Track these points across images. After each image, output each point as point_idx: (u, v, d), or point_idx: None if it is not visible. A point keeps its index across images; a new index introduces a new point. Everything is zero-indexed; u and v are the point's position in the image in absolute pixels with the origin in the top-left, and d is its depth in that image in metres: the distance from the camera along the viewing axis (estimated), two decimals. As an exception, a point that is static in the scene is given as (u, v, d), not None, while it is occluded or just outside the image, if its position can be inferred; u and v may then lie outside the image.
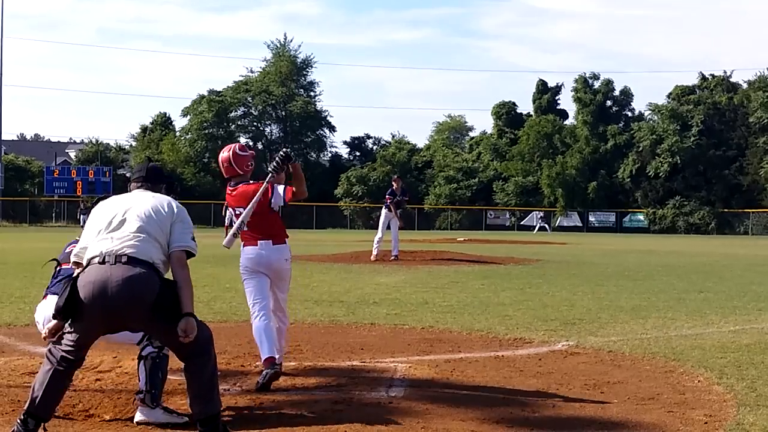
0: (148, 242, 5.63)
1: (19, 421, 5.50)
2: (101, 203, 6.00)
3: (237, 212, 7.89)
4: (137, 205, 5.82)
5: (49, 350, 5.60)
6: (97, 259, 5.52)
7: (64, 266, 6.81)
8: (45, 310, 6.58)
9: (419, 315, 12.43)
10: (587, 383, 7.76)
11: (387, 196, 24.49)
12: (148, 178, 6.13)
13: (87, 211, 35.97)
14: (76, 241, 6.09)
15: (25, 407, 5.52)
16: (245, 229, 7.78)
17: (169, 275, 5.76)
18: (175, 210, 5.88)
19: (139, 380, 6.29)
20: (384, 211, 24.46)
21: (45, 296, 6.97)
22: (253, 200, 7.62)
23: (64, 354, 5.53)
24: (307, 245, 31.41)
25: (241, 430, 6.02)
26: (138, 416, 6.18)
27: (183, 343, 5.56)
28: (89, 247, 5.68)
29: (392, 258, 23.64)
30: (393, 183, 25.06)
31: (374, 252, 23.94)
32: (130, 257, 5.50)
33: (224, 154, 8.04)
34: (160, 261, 5.68)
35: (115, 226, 5.68)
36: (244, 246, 8.03)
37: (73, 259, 5.85)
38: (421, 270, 20.75)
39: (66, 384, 5.67)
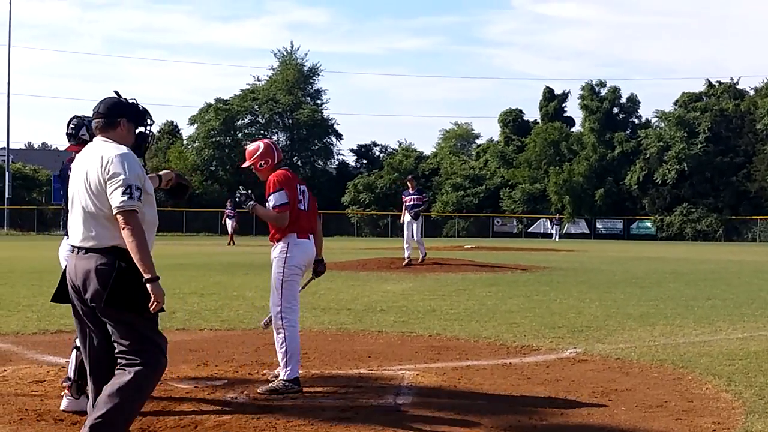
0: (99, 227, 5.22)
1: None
2: (74, 163, 5.59)
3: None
4: (85, 177, 5.27)
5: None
6: (69, 248, 5.44)
7: None
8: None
9: (426, 322, 12.41)
10: (595, 391, 7.74)
11: (403, 197, 24.72)
12: (101, 113, 5.42)
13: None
14: None
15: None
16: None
17: None
18: (105, 162, 5.19)
19: (69, 369, 6.51)
20: (406, 214, 24.46)
21: None
22: None
23: (77, 344, 5.53)
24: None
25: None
26: (64, 404, 6.36)
27: (118, 340, 5.27)
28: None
29: (406, 262, 23.83)
30: (408, 183, 25.32)
31: (405, 255, 24.14)
32: (87, 249, 5.25)
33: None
34: (117, 236, 5.18)
35: (74, 208, 5.36)
36: (298, 238, 7.77)
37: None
38: (429, 277, 20.74)
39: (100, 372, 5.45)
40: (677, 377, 8.42)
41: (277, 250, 7.78)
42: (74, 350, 6.34)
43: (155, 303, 5.17)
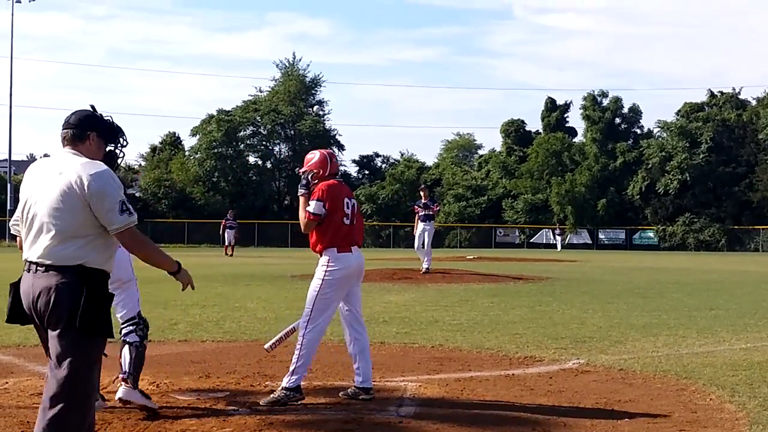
0: (64, 244, 4.89)
1: None
2: (28, 171, 5.24)
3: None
4: (48, 190, 4.96)
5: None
6: (26, 265, 5.05)
7: None
8: None
9: (429, 333, 12.39)
10: (598, 402, 7.72)
11: (415, 207, 25.15)
12: (72, 124, 5.17)
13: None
14: None
15: None
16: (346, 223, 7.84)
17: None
18: (85, 184, 4.89)
19: (123, 363, 6.85)
20: (419, 223, 24.88)
21: None
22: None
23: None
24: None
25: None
26: (121, 394, 6.72)
27: (55, 376, 4.84)
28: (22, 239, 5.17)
29: (423, 271, 24.09)
30: (420, 192, 25.73)
31: (424, 264, 24.50)
32: (47, 266, 4.90)
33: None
34: (89, 253, 4.94)
35: (31, 222, 5.01)
36: (338, 252, 7.79)
37: (11, 231, 5.73)
38: (431, 288, 20.72)
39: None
40: (680, 388, 8.40)
41: (319, 263, 7.85)
42: (125, 345, 6.66)
43: (190, 285, 5.45)
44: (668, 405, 7.60)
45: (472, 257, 42.30)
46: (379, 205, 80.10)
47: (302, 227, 7.78)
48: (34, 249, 4.98)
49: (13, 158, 74.43)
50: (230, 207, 60.22)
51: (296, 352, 7.59)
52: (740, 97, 77.97)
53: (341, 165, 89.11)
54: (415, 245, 25.21)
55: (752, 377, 8.88)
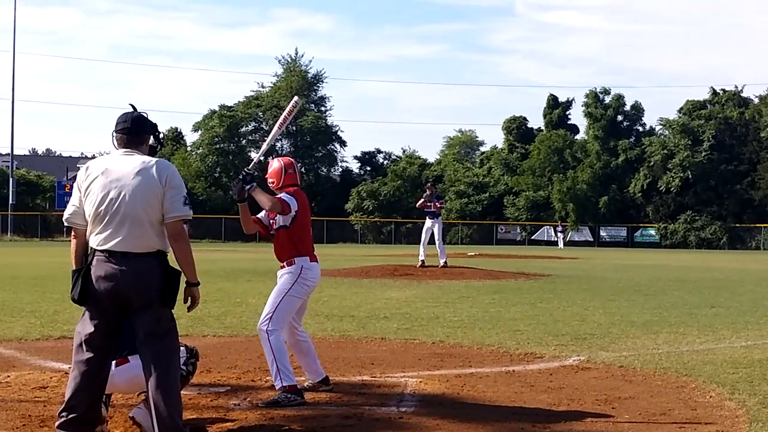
0: (148, 232, 5.59)
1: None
2: (87, 170, 5.75)
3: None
4: (129, 186, 5.59)
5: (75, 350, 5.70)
6: (103, 256, 5.56)
7: None
8: None
9: (430, 330, 12.41)
10: (598, 398, 7.73)
11: (422, 200, 25.67)
12: (132, 130, 5.82)
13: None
14: None
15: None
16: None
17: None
18: (164, 178, 5.65)
19: None
20: (426, 219, 25.64)
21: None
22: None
23: (86, 341, 5.63)
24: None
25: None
26: (134, 411, 6.29)
27: (152, 347, 5.61)
28: (90, 231, 5.66)
29: (441, 265, 24.82)
30: (427, 189, 26.22)
31: (420, 257, 25.40)
32: (135, 253, 5.56)
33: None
34: (164, 242, 5.68)
35: (112, 213, 5.58)
36: (310, 261, 7.91)
37: (65, 223, 5.84)
38: (432, 285, 20.72)
39: (99, 379, 5.74)
40: (681, 385, 8.41)
41: (287, 269, 7.84)
42: None
43: (196, 304, 5.91)
44: (668, 402, 7.61)
45: (473, 254, 42.32)
46: (380, 201, 80.00)
47: (271, 209, 7.66)
48: (117, 239, 5.55)
49: (15, 153, 74.42)
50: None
51: (268, 357, 7.54)
52: (743, 95, 77.79)
53: (343, 161, 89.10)
54: (422, 240, 25.90)
55: (752, 375, 8.89)
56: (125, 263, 5.53)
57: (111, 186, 5.62)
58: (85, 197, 5.68)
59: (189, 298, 5.90)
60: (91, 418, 5.70)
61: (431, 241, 25.47)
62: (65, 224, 5.85)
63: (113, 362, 6.02)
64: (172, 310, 5.72)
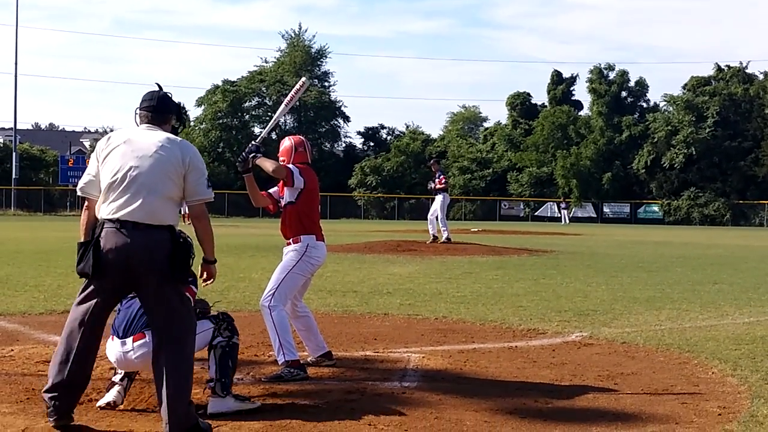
0: (162, 205, 5.60)
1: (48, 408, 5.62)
2: (108, 142, 5.78)
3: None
4: (148, 158, 5.62)
5: (71, 325, 5.69)
6: (113, 225, 5.52)
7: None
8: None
9: (433, 305, 12.42)
10: (601, 374, 7.75)
11: (429, 182, 26.44)
12: (157, 108, 5.87)
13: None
14: None
15: (50, 385, 5.62)
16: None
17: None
18: (187, 158, 5.72)
19: (209, 369, 6.31)
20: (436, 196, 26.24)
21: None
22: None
23: (84, 316, 5.62)
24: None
25: (254, 420, 6.02)
26: (210, 408, 6.14)
27: (163, 322, 5.59)
28: (101, 201, 5.63)
29: (443, 240, 25.37)
30: (432, 167, 26.93)
31: (432, 232, 26.00)
32: (147, 224, 5.53)
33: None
34: (176, 217, 5.74)
35: (128, 183, 5.56)
36: (317, 240, 7.90)
37: (79, 193, 5.83)
38: (435, 260, 20.74)
39: (95, 351, 5.76)
40: (683, 361, 8.43)
41: (293, 247, 7.85)
42: (211, 350, 6.27)
43: (212, 279, 6.15)
44: (670, 378, 7.63)
45: (476, 230, 42.30)
46: (383, 177, 79.92)
47: (277, 174, 7.65)
48: (130, 208, 5.53)
49: (18, 127, 74.41)
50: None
51: (271, 332, 7.57)
52: (747, 71, 77.41)
53: (347, 136, 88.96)
54: (429, 217, 26.77)
55: (755, 351, 8.90)
56: (136, 234, 5.49)
57: (132, 155, 5.63)
58: (103, 165, 5.66)
59: (206, 273, 6.11)
60: (72, 405, 5.70)
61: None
62: (79, 193, 5.84)
63: (130, 338, 6.01)
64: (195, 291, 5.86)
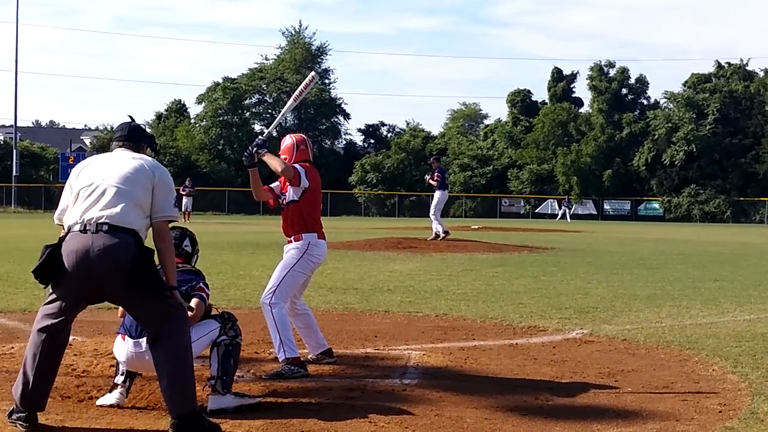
0: (128, 208, 5.50)
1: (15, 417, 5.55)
2: (81, 164, 5.84)
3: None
4: (118, 168, 5.66)
5: (34, 333, 5.62)
6: (78, 227, 5.45)
7: None
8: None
9: (433, 302, 12.42)
10: (601, 372, 7.74)
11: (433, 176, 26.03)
12: (129, 137, 5.95)
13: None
14: None
15: (18, 399, 5.55)
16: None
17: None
18: (156, 173, 5.70)
19: (210, 367, 6.32)
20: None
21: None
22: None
23: (48, 324, 5.54)
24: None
25: (255, 417, 6.02)
26: (210, 404, 6.15)
27: (153, 320, 5.53)
28: (69, 211, 5.61)
29: (432, 238, 25.08)
30: (432, 165, 26.72)
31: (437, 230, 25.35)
32: (110, 225, 5.41)
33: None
34: (142, 226, 5.61)
35: (94, 188, 5.56)
36: (318, 238, 7.90)
37: (56, 221, 5.79)
38: (436, 257, 20.73)
39: (56, 362, 5.69)
40: (684, 358, 8.42)
41: (294, 245, 7.84)
42: (214, 348, 6.27)
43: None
44: (671, 375, 7.63)
45: (476, 227, 42.28)
46: (384, 174, 79.93)
47: (283, 173, 7.64)
48: (95, 207, 5.48)
49: (18, 124, 74.36)
50: (187, 176, 59.73)
51: (274, 333, 7.57)
52: (748, 68, 77.42)
53: (347, 134, 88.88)
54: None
55: (755, 348, 8.90)
56: (99, 235, 5.38)
57: (103, 169, 5.69)
58: (75, 184, 5.68)
59: None
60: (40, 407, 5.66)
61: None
62: (56, 222, 5.79)
63: (144, 339, 5.96)
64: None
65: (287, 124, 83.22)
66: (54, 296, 5.57)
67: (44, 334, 5.56)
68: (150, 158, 5.87)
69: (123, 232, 5.43)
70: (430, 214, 25.68)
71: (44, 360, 5.56)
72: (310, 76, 7.99)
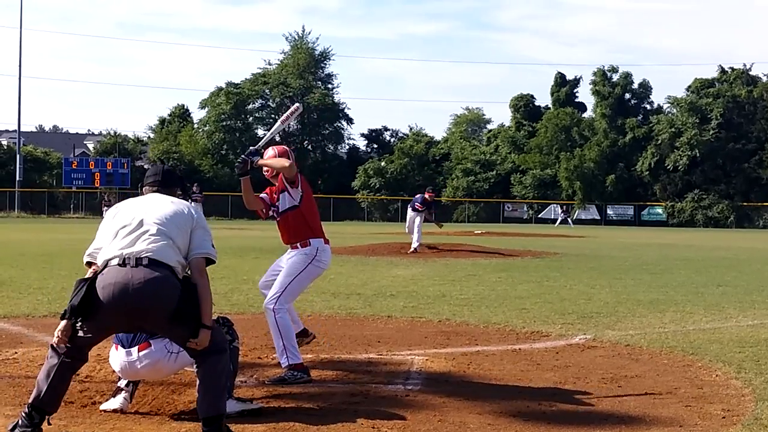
0: (167, 245, 5.55)
1: (23, 414, 5.50)
2: (118, 205, 5.92)
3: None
4: (156, 207, 5.74)
5: (53, 345, 5.55)
6: (116, 261, 5.42)
7: None
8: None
9: (436, 308, 12.42)
10: (604, 377, 7.74)
11: (417, 204, 25.50)
12: (163, 182, 6.07)
13: (111, 206, 36.00)
14: None
15: (30, 401, 5.52)
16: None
17: None
18: (195, 216, 5.81)
19: None
20: (410, 212, 25.61)
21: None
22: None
23: (71, 349, 5.49)
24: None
25: (257, 423, 6.02)
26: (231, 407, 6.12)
27: (192, 350, 5.56)
28: (106, 248, 5.58)
29: (411, 251, 24.16)
30: (426, 195, 25.82)
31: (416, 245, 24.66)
32: (150, 260, 5.42)
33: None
34: (179, 265, 5.60)
35: (135, 227, 5.58)
36: (324, 243, 7.90)
37: (86, 259, 5.74)
38: (439, 263, 20.73)
39: (70, 377, 5.66)
40: (687, 364, 8.41)
41: (302, 251, 7.81)
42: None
43: (201, 347, 5.56)
44: (674, 381, 7.62)
45: (479, 232, 42.32)
46: (387, 179, 79.97)
47: (286, 172, 7.62)
48: (135, 243, 5.51)
49: (22, 129, 74.43)
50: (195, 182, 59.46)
51: (277, 339, 7.56)
52: (751, 73, 77.33)
53: (350, 139, 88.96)
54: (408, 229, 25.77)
55: (759, 354, 8.89)
56: (140, 269, 5.38)
57: (143, 208, 5.77)
58: (113, 223, 5.69)
59: (199, 337, 5.53)
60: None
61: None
62: (86, 259, 5.74)
63: (135, 348, 6.00)
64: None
65: (290, 129, 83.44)
66: (86, 328, 5.46)
67: (67, 356, 5.51)
68: (186, 202, 5.97)
69: (162, 267, 5.46)
70: (415, 227, 24.73)
71: (59, 375, 5.52)
72: (294, 107, 7.99)
